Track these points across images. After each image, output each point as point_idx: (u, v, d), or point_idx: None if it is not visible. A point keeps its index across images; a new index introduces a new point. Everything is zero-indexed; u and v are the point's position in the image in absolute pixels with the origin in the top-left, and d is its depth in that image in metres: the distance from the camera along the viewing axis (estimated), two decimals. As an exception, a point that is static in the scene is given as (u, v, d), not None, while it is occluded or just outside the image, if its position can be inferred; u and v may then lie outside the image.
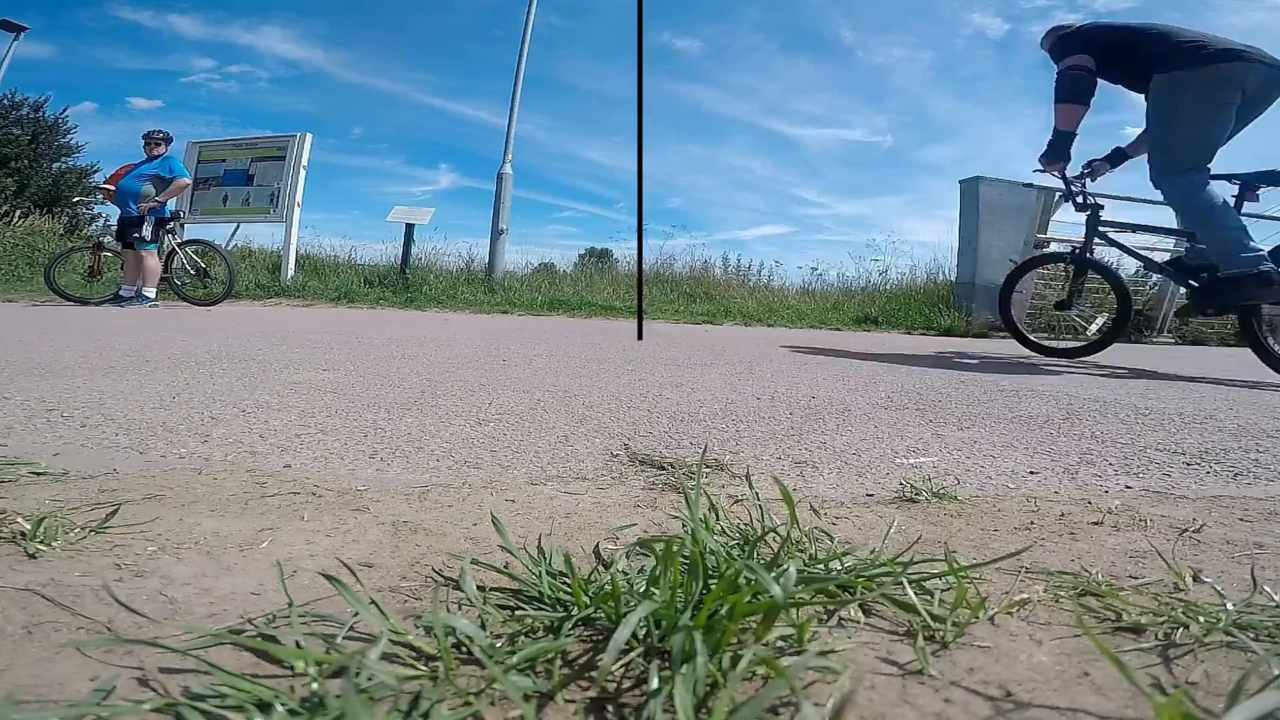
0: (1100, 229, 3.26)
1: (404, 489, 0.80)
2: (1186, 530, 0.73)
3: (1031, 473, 1.00)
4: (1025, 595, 0.53)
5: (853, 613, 0.48)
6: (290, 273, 7.61)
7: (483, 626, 0.44)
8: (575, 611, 0.45)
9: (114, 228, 5.88)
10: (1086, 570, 0.59)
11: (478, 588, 0.50)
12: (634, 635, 0.40)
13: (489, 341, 3.07)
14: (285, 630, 0.43)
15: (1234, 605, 0.50)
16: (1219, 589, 0.55)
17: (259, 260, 8.62)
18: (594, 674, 0.39)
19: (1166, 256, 3.63)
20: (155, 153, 5.74)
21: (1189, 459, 1.11)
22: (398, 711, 0.35)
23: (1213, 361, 3.80)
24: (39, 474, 0.78)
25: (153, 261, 5.59)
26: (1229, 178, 2.81)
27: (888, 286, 8.21)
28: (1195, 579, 0.57)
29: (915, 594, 0.48)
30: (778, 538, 0.60)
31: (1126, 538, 0.70)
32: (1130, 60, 2.84)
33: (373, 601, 0.44)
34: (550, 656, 0.40)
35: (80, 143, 22.40)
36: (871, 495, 0.85)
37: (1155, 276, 6.30)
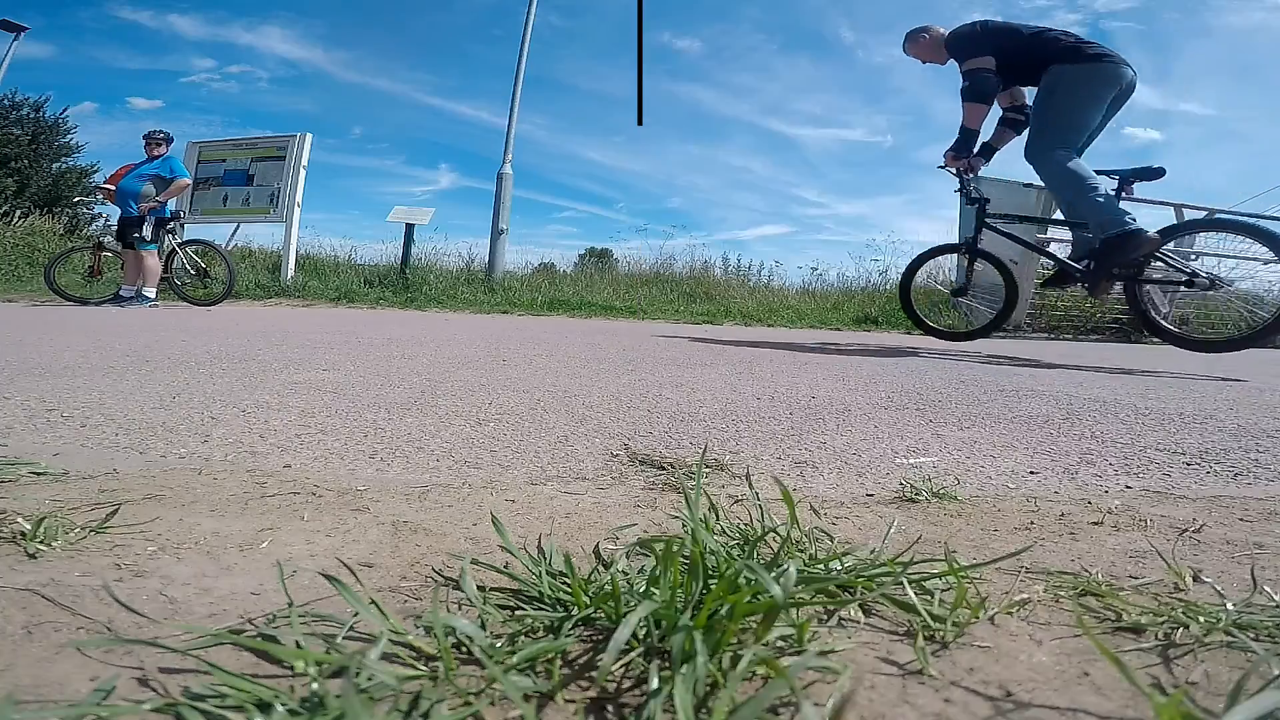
0: (988, 220, 3.51)
1: (404, 489, 0.80)
2: (1186, 530, 0.73)
3: (1031, 473, 1.00)
4: (1025, 595, 0.53)
5: (853, 613, 0.48)
6: (290, 273, 7.61)
7: (483, 626, 0.44)
8: (575, 611, 0.45)
9: (114, 228, 5.88)
10: (1086, 570, 0.59)
11: (478, 588, 0.50)
12: (634, 635, 0.40)
13: (489, 341, 3.07)
14: (285, 630, 0.43)
15: (1234, 605, 0.50)
16: (1219, 589, 0.55)
17: (259, 260, 8.63)
18: (594, 674, 0.39)
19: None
20: (155, 153, 5.74)
21: (1189, 459, 1.11)
22: (398, 711, 0.35)
23: (1203, 360, 3.79)
24: (39, 474, 0.78)
25: (153, 261, 5.59)
26: (1109, 173, 3.08)
27: (888, 286, 8.22)
28: (1195, 579, 0.57)
29: (915, 594, 0.48)
30: (778, 538, 0.60)
31: (1126, 538, 0.70)
32: (1027, 57, 3.12)
33: (373, 601, 0.44)
34: (550, 656, 0.40)
35: (80, 143, 22.42)
36: (871, 495, 0.85)
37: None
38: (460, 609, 0.48)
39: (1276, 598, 0.52)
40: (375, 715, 0.34)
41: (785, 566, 0.45)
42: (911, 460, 1.06)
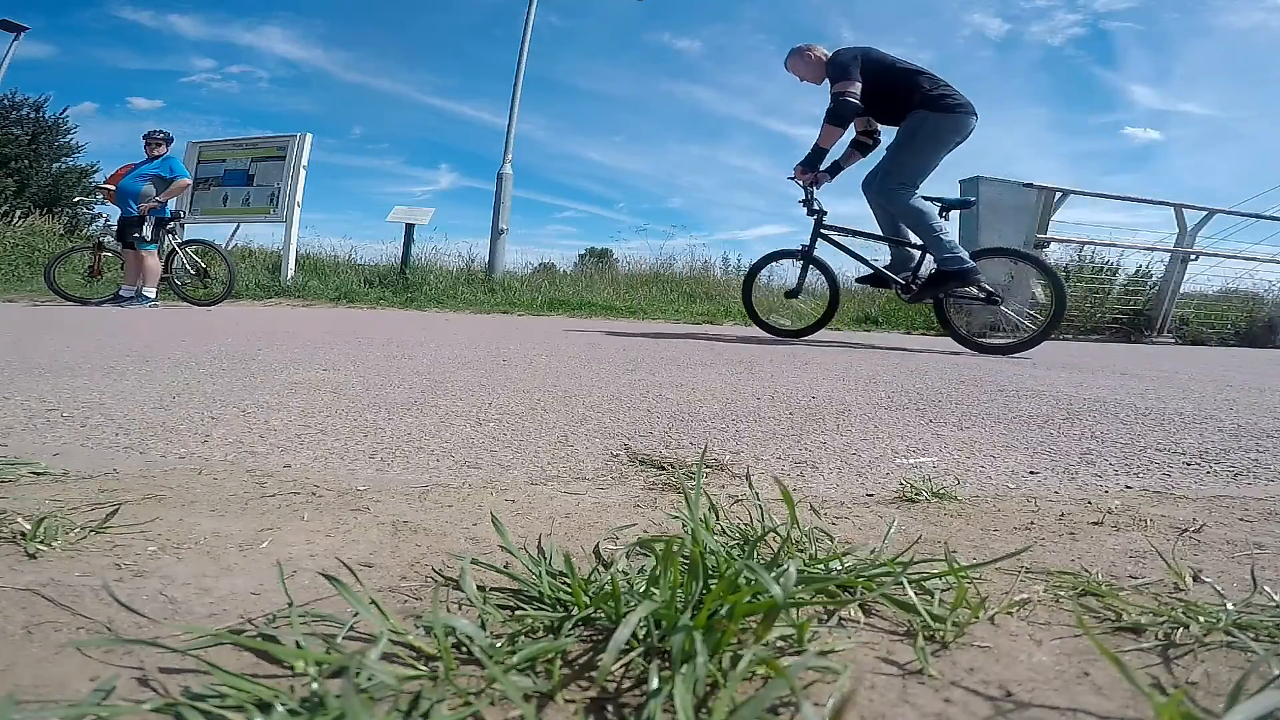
0: (824, 231, 3.87)
1: (404, 489, 0.80)
2: (1186, 530, 0.73)
3: (1031, 473, 1.00)
4: (1025, 595, 0.53)
5: (853, 613, 0.48)
6: (290, 273, 7.61)
7: (483, 626, 0.44)
8: (575, 611, 0.45)
9: (114, 228, 5.88)
10: (1086, 570, 0.59)
11: (478, 588, 0.50)
12: (634, 635, 0.40)
13: (489, 341, 3.07)
14: (285, 630, 0.43)
15: (1234, 605, 0.50)
16: (1219, 589, 0.55)
17: (259, 260, 8.62)
18: (594, 674, 0.39)
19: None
20: (156, 153, 5.74)
21: (1189, 459, 1.11)
22: (398, 711, 0.35)
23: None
24: (39, 474, 0.78)
25: (153, 261, 5.59)
26: (930, 200, 3.54)
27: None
28: (1195, 579, 0.57)
29: (915, 594, 0.48)
30: (778, 538, 0.60)
31: (1126, 538, 0.70)
32: (893, 92, 3.41)
33: (373, 601, 0.44)
34: (550, 656, 0.40)
35: (80, 143, 22.43)
36: (871, 495, 0.85)
37: (1155, 278, 6.76)
38: (460, 609, 0.48)
39: (1276, 598, 0.52)
40: (375, 715, 0.34)
41: (785, 566, 0.45)
42: (911, 460, 1.06)
